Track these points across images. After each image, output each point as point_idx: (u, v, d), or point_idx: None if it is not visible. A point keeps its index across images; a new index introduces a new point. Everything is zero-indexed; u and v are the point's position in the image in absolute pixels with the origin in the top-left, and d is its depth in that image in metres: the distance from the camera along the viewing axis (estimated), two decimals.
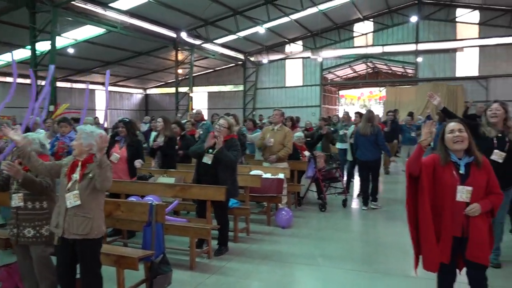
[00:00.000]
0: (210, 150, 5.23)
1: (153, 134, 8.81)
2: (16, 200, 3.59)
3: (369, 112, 8.03)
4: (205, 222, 5.14)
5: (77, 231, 3.23)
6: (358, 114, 9.04)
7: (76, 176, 3.29)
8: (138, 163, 5.92)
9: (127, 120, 6.38)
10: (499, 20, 20.73)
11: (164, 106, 28.41)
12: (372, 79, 28.02)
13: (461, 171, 3.03)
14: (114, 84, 26.83)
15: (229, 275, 4.63)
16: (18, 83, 21.68)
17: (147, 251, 3.94)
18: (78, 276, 3.46)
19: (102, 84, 26.13)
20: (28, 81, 17.62)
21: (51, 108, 11.82)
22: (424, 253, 3.14)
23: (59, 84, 19.60)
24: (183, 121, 10.62)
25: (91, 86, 25.25)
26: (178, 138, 7.31)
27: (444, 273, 3.17)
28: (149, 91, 29.88)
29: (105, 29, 16.52)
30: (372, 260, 5.15)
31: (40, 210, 3.62)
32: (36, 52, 13.26)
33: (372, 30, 23.66)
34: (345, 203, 7.91)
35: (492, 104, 4.52)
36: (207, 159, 5.24)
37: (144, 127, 13.06)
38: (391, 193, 9.35)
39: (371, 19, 23.47)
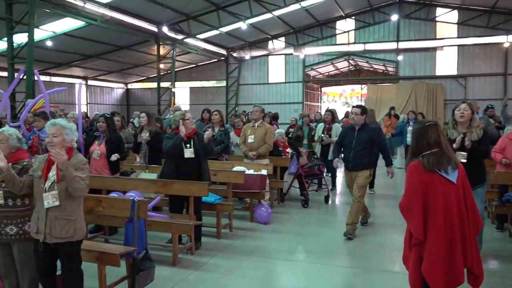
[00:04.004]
0: (188, 145, 5.21)
1: None
2: None
3: (371, 110, 8.49)
4: (187, 218, 5.12)
5: (60, 235, 3.16)
6: (330, 112, 9.05)
7: (53, 175, 3.20)
8: (114, 156, 5.85)
9: (108, 115, 6.29)
10: (477, 20, 21.16)
11: (145, 101, 28.06)
12: (354, 76, 28.28)
13: None
14: (94, 78, 26.39)
15: (212, 271, 4.62)
16: None
17: (129, 248, 3.90)
18: (58, 272, 3.41)
19: (83, 78, 25.69)
20: (5, 74, 17.18)
21: (29, 101, 11.55)
22: None
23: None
24: (166, 117, 10.51)
25: (70, 80, 24.81)
26: None
27: None
28: (130, 86, 29.46)
29: (84, 22, 16.19)
30: (354, 256, 5.22)
31: (22, 207, 3.50)
32: (13, 44, 12.89)
33: (354, 28, 23.82)
34: (327, 199, 7.98)
35: (460, 104, 4.61)
36: (190, 153, 5.21)
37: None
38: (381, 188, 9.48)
39: (353, 17, 23.62)
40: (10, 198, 3.47)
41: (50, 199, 3.14)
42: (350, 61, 25.97)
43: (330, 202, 8.04)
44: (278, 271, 4.73)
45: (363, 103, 26.33)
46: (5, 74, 17.41)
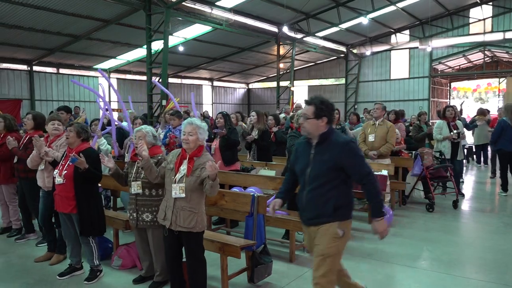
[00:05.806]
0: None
1: None
2: (135, 187, 3.95)
3: (511, 106, 8.42)
4: None
5: (183, 224, 3.46)
6: (452, 108, 8.31)
7: (184, 169, 3.50)
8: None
9: (225, 112, 6.69)
10: None
11: (265, 100, 28.97)
12: (490, 69, 25.39)
13: None
14: (218, 80, 28.10)
15: None
16: (135, 79, 23.64)
17: (249, 241, 4.07)
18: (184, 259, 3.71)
19: (209, 79, 27.54)
20: (144, 78, 19.26)
21: (163, 102, 12.80)
22: None
23: (170, 80, 21.08)
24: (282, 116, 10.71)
25: (197, 82, 26.83)
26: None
27: None
28: (251, 86, 30.71)
29: (211, 27, 17.35)
30: (487, 267, 4.70)
31: (156, 197, 3.94)
32: (151, 51, 14.39)
33: (491, 15, 21.38)
34: (456, 204, 7.32)
35: None
36: None
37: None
38: None
39: (490, 3, 21.21)
40: (147, 188, 3.94)
41: (177, 190, 3.46)
42: (486, 52, 23.38)
43: (458, 207, 7.36)
44: (398, 277, 4.49)
45: (501, 99, 23.55)
46: (143, 78, 19.56)
